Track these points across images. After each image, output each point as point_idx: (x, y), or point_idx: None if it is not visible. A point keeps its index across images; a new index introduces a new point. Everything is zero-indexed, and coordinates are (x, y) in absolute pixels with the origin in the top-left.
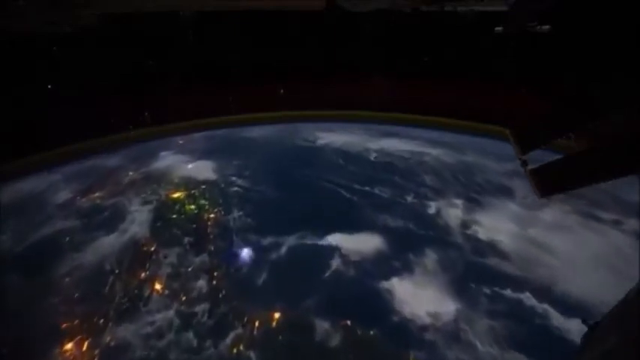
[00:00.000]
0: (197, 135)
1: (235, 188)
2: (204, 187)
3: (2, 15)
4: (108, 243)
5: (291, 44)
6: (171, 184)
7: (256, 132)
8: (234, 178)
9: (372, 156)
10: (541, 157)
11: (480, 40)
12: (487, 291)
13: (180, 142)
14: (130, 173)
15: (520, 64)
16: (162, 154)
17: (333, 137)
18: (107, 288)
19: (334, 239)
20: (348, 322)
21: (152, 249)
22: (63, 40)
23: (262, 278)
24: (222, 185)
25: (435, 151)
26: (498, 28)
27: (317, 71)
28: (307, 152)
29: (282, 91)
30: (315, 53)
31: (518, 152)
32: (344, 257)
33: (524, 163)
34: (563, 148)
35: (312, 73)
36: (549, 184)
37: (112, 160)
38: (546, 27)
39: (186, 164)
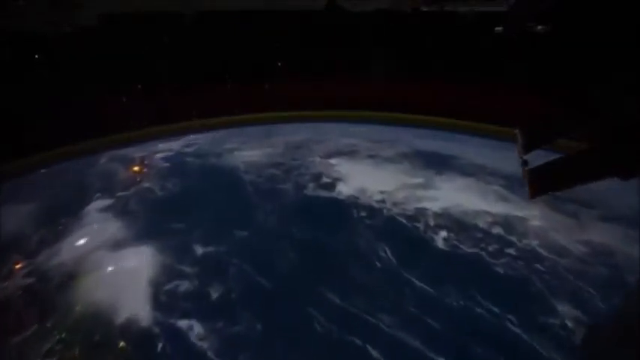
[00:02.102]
0: (163, 158)
1: None
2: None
3: (2, 15)
4: None
5: (291, 44)
6: (65, 328)
7: (244, 156)
8: (188, 334)
9: (440, 236)
10: (543, 157)
11: (480, 40)
12: None
13: (135, 168)
14: (17, 267)
15: (521, 65)
16: (93, 207)
17: (359, 175)
18: None
19: None
20: None
21: None
22: (63, 40)
23: None
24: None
25: (533, 216)
26: (498, 28)
27: (317, 71)
28: (325, 223)
29: (283, 74)
30: (315, 53)
31: (519, 152)
32: None
33: (525, 163)
34: (564, 148)
35: (312, 72)
36: (544, 184)
37: (19, 216)
38: (541, 27)
39: (112, 252)
